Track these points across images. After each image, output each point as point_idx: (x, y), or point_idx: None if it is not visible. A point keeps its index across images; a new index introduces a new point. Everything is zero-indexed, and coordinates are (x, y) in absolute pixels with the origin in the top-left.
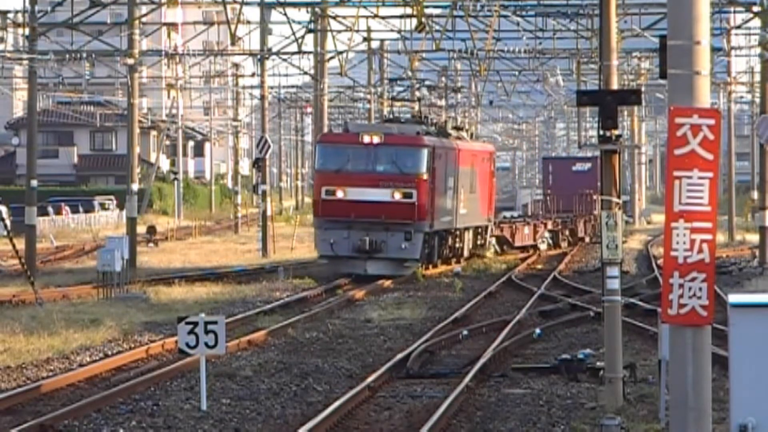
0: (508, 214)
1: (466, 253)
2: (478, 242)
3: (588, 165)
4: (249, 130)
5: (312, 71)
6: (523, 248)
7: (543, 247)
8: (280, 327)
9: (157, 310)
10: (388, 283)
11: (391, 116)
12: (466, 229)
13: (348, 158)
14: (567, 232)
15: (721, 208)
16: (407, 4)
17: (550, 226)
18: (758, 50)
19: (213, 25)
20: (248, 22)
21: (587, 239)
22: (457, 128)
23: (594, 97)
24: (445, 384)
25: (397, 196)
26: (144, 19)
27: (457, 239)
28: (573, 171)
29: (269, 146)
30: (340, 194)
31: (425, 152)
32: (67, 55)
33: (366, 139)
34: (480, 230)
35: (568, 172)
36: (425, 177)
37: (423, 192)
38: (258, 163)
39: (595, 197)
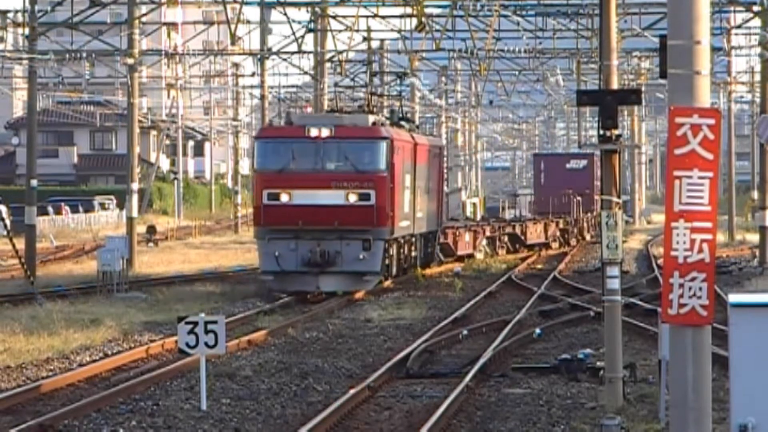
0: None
1: (419, 263)
2: (428, 250)
3: (583, 162)
4: (249, 130)
5: (312, 71)
6: (468, 256)
7: (480, 256)
8: (280, 327)
9: (157, 309)
10: (388, 282)
11: (335, 106)
12: (422, 235)
13: (293, 155)
14: (505, 238)
15: (721, 208)
16: (407, 3)
17: (488, 233)
18: (758, 50)
19: (213, 24)
20: (248, 22)
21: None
22: (405, 119)
23: (594, 97)
24: (445, 384)
25: (353, 198)
26: (144, 19)
27: (413, 247)
28: (567, 169)
29: None
30: (284, 198)
31: (383, 146)
32: (67, 55)
33: (313, 132)
34: (431, 237)
35: (562, 170)
36: (384, 175)
37: (382, 192)
38: None
39: (592, 197)
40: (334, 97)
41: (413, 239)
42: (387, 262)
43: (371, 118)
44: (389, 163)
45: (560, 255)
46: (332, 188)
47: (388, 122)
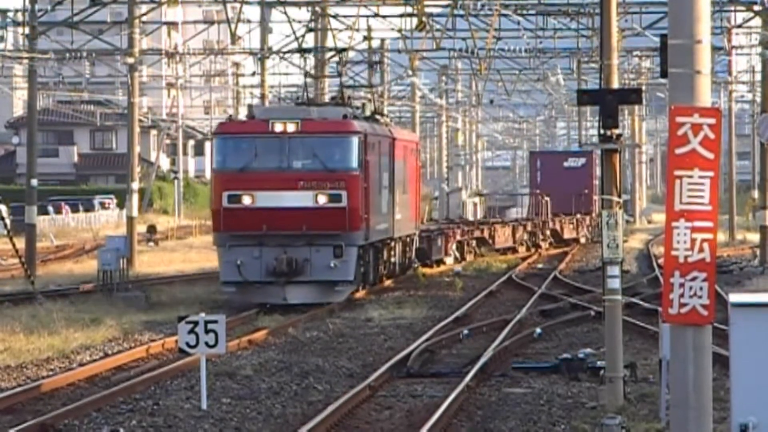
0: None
1: (398, 270)
2: (407, 255)
3: (582, 160)
4: None
5: (312, 70)
6: (439, 262)
7: (450, 261)
8: (280, 326)
9: (157, 309)
10: (388, 282)
11: (306, 99)
12: (401, 239)
13: (255, 153)
14: (473, 242)
15: (722, 208)
16: (408, 3)
17: (458, 236)
18: (759, 49)
19: (213, 24)
20: (248, 21)
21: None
22: (379, 113)
23: (594, 96)
24: (446, 383)
25: (322, 199)
26: (144, 18)
27: (392, 252)
28: (564, 167)
29: None
30: (247, 201)
31: (355, 141)
32: (68, 54)
33: (278, 127)
34: (409, 241)
35: (559, 168)
36: (357, 173)
37: (355, 193)
38: None
39: (591, 197)
40: (304, 89)
41: (392, 243)
42: (362, 269)
43: (342, 111)
44: (363, 161)
45: (561, 254)
46: (299, 189)
47: (362, 115)
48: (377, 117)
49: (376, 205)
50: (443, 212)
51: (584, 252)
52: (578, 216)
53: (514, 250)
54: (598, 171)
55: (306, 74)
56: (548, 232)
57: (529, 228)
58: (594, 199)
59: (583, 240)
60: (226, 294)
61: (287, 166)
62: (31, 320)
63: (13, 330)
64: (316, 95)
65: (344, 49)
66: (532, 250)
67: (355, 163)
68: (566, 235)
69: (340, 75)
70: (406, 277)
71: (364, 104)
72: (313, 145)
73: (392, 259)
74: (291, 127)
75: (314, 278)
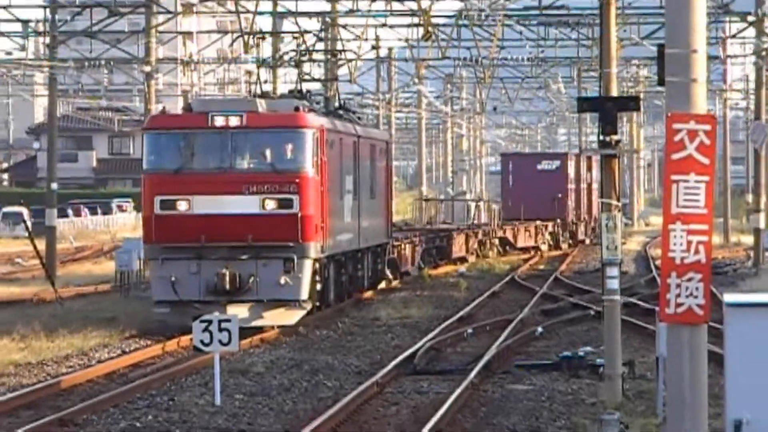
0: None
1: (366, 284)
2: (378, 267)
3: (557, 163)
4: None
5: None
6: (405, 273)
7: (414, 272)
8: (291, 325)
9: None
10: (395, 282)
11: (258, 92)
12: (369, 249)
13: (193, 151)
14: (434, 251)
15: (717, 211)
16: (415, 14)
17: (424, 244)
18: (752, 58)
19: (227, 34)
20: (261, 31)
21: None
22: (346, 109)
23: (594, 104)
24: (451, 380)
25: (271, 205)
26: (160, 28)
27: (359, 265)
28: (538, 170)
29: None
30: (182, 207)
31: (309, 136)
32: (86, 63)
33: (219, 121)
34: (379, 251)
35: (532, 171)
36: (311, 175)
37: (309, 197)
38: None
39: (566, 201)
40: (257, 80)
41: (359, 255)
42: (319, 286)
43: (296, 104)
44: (319, 160)
45: (562, 256)
46: (244, 193)
47: (321, 109)
48: (341, 113)
49: (337, 211)
50: (449, 216)
51: (585, 254)
52: (537, 223)
53: (464, 260)
54: (572, 174)
55: (259, 64)
56: (496, 240)
57: (479, 236)
58: (568, 204)
59: (544, 247)
60: (159, 315)
61: (229, 166)
62: (52, 319)
63: (34, 329)
64: (274, 90)
65: (300, 34)
66: (481, 258)
67: (308, 163)
68: (522, 243)
69: (298, 65)
70: (412, 277)
71: (326, 98)
72: (260, 141)
73: (359, 273)
74: (234, 121)
75: (261, 297)
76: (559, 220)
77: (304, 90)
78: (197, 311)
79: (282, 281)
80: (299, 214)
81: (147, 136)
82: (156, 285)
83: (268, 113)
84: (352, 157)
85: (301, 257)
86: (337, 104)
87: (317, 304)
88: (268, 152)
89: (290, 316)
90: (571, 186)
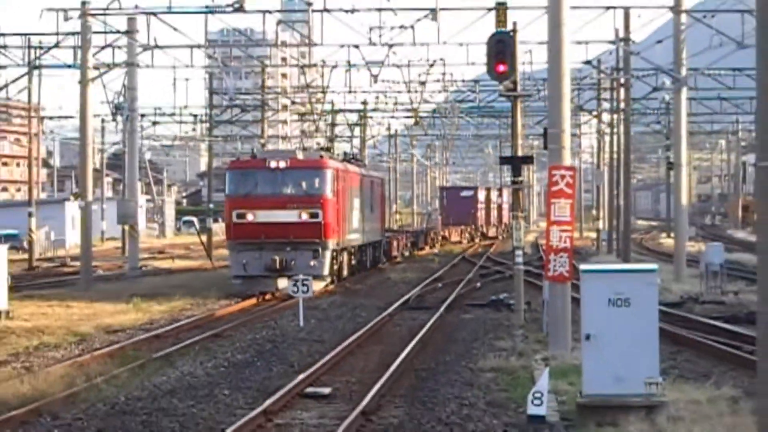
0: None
1: (369, 266)
2: (377, 254)
3: (471, 192)
4: None
5: (358, 149)
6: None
7: (399, 258)
8: (340, 282)
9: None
10: (399, 258)
11: (302, 147)
12: (371, 244)
13: (256, 182)
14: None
15: (576, 219)
16: (409, 112)
17: (402, 240)
18: (595, 135)
19: (305, 121)
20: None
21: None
22: (356, 159)
23: (509, 160)
24: (430, 313)
25: (304, 216)
26: (271, 118)
27: (364, 254)
28: (461, 196)
29: None
30: (250, 217)
31: (329, 174)
32: (228, 137)
33: (272, 164)
34: (378, 245)
35: (458, 196)
36: (330, 197)
37: (329, 211)
38: None
39: (477, 215)
40: (300, 142)
41: (363, 247)
42: (336, 267)
43: (321, 154)
44: (335, 189)
45: (490, 245)
46: (287, 208)
47: (338, 158)
48: (351, 161)
49: (349, 220)
50: (430, 223)
51: (505, 244)
52: (462, 227)
53: (422, 248)
54: (482, 198)
55: (303, 132)
56: (440, 237)
57: (411, 238)
58: (478, 216)
59: (465, 241)
60: (236, 285)
61: (279, 192)
62: (210, 281)
63: (206, 285)
64: (311, 146)
65: (329, 114)
66: (413, 253)
67: (329, 190)
68: (453, 239)
69: (331, 140)
70: (407, 257)
71: (345, 152)
72: (298, 176)
73: (364, 258)
74: (282, 164)
75: (298, 273)
76: (473, 225)
77: (330, 147)
78: (259, 283)
79: (312, 264)
80: (322, 222)
81: (229, 173)
82: (233, 266)
83: (304, 159)
84: (358, 187)
85: (324, 249)
86: (351, 156)
87: (335, 277)
88: (303, 183)
89: (317, 285)
90: (481, 205)
